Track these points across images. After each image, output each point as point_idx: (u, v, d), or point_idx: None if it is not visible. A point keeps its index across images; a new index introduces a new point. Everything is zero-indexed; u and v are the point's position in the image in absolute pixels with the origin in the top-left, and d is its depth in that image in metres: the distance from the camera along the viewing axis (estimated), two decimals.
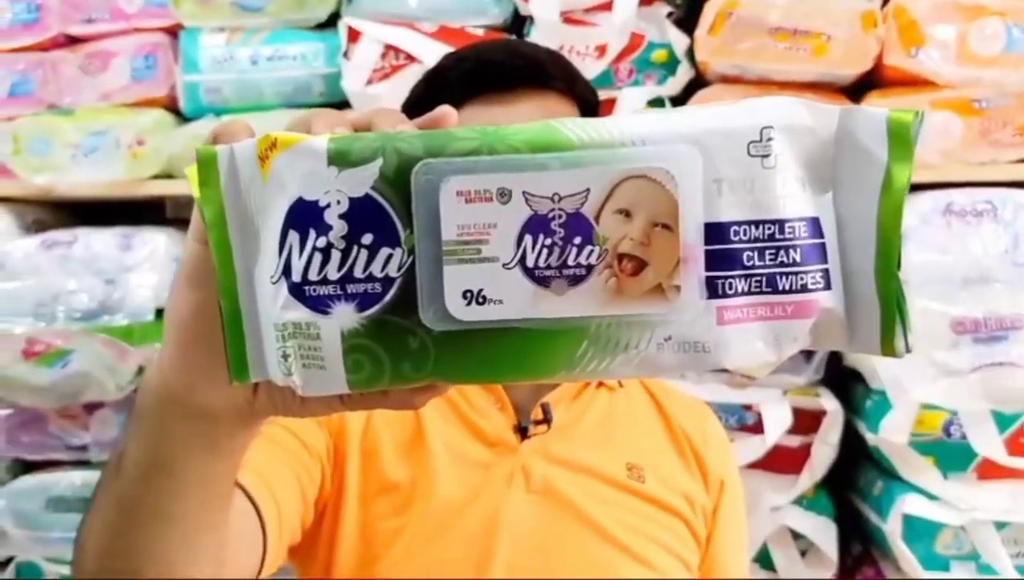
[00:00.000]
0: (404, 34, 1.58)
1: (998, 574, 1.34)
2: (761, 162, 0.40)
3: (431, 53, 1.56)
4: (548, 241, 0.40)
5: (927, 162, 1.43)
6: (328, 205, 0.40)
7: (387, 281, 0.40)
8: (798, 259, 0.40)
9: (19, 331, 1.54)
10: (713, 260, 0.40)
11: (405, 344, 0.41)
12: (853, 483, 1.57)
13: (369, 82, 1.58)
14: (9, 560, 1.63)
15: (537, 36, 1.57)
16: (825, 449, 1.44)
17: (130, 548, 0.57)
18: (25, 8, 1.71)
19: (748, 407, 1.44)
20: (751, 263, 0.40)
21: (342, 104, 1.62)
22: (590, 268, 0.40)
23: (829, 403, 1.45)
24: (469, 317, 0.40)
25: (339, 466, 0.89)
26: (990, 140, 1.48)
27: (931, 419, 1.37)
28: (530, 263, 0.40)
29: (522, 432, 0.90)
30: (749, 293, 0.40)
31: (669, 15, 1.60)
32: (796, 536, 1.45)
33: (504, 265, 0.40)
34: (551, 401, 0.91)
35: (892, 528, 1.37)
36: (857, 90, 1.53)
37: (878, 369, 1.39)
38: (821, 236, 0.41)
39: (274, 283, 0.42)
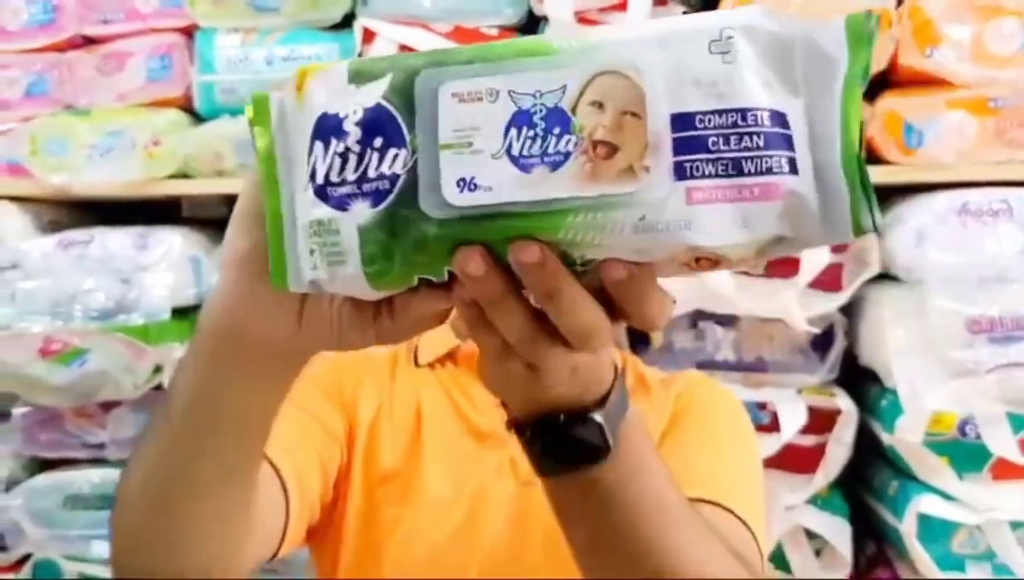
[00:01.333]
0: (419, 34, 1.59)
1: (1013, 574, 1.34)
2: (722, 58, 0.43)
3: None
4: (531, 133, 0.44)
5: (942, 162, 1.43)
6: (346, 115, 0.46)
7: (394, 178, 0.45)
8: (761, 144, 0.43)
9: (36, 330, 1.54)
10: (680, 146, 0.43)
11: (410, 233, 0.45)
12: (867, 482, 1.56)
13: None
14: (27, 558, 1.64)
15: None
16: (840, 449, 1.45)
17: (167, 482, 0.61)
18: (41, 9, 1.71)
19: (763, 406, 1.44)
20: (716, 148, 0.43)
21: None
22: (568, 154, 0.44)
23: (844, 402, 1.45)
24: (463, 202, 0.45)
25: (350, 450, 0.92)
26: (1006, 139, 1.48)
27: (946, 419, 1.37)
28: (515, 152, 0.44)
29: (517, 427, 0.90)
30: (716, 176, 0.43)
31: (684, 14, 1.59)
32: (810, 535, 1.46)
33: (492, 155, 0.44)
34: None
35: (907, 528, 1.37)
36: (871, 89, 1.52)
37: (893, 368, 1.39)
38: (787, 128, 0.44)
39: (304, 190, 0.48)
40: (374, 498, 0.90)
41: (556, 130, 0.44)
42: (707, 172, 0.43)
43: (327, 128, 0.47)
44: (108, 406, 1.62)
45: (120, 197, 1.67)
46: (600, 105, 0.43)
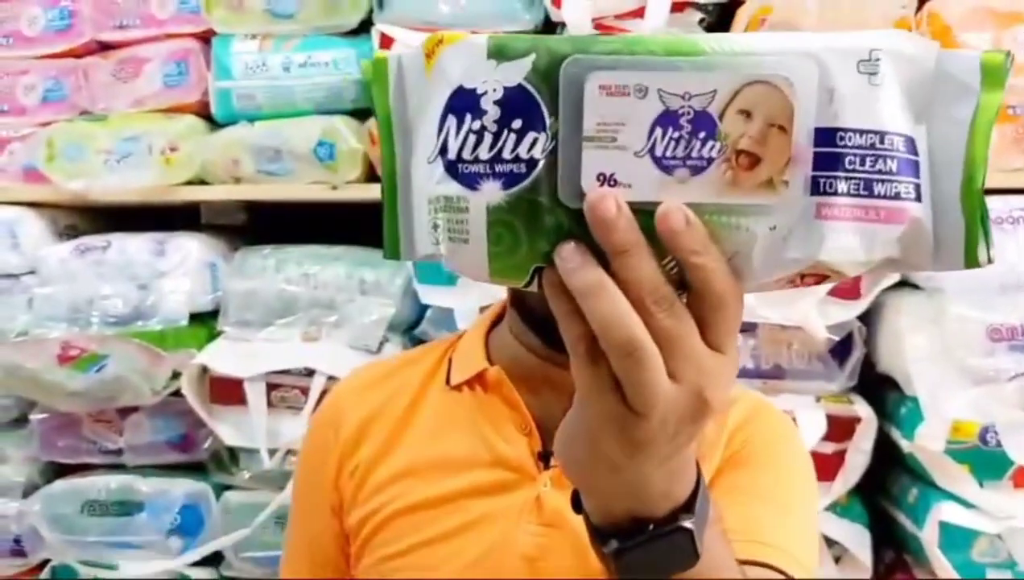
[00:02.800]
0: None
1: None
2: (868, 79, 0.43)
3: None
4: (676, 134, 0.44)
5: None
6: (485, 92, 0.45)
7: (531, 162, 0.45)
8: (894, 169, 0.43)
9: (54, 336, 1.55)
10: (819, 161, 0.43)
11: (542, 220, 0.45)
12: (886, 489, 1.56)
13: None
14: (45, 563, 1.65)
15: None
16: (859, 456, 1.44)
17: None
18: (58, 14, 1.72)
19: None
20: (852, 167, 0.43)
21: (373, 111, 1.62)
22: (711, 160, 0.44)
23: (863, 410, 1.45)
24: None
25: (359, 495, 0.90)
26: None
27: (967, 427, 1.36)
28: (658, 153, 0.44)
29: (544, 460, 0.85)
30: (848, 194, 0.43)
31: (700, 21, 1.59)
32: (830, 543, 1.45)
33: (635, 153, 0.44)
34: None
35: (928, 536, 1.37)
36: None
37: (913, 376, 1.39)
38: (916, 154, 0.44)
39: (430, 163, 0.47)
40: (394, 529, 0.87)
41: (701, 135, 0.43)
42: (840, 190, 0.44)
43: (463, 103, 0.46)
44: (125, 412, 1.62)
45: (137, 203, 1.67)
46: (748, 114, 0.43)
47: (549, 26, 1.63)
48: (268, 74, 1.64)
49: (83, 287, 1.60)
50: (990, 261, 0.44)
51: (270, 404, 1.55)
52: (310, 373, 1.53)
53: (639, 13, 1.57)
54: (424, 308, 1.59)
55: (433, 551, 0.85)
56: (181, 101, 1.69)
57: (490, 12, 1.61)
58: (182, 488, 1.61)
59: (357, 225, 1.61)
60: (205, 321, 1.63)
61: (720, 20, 1.60)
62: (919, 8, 1.52)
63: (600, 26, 1.57)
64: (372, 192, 1.62)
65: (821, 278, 0.46)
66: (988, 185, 1.29)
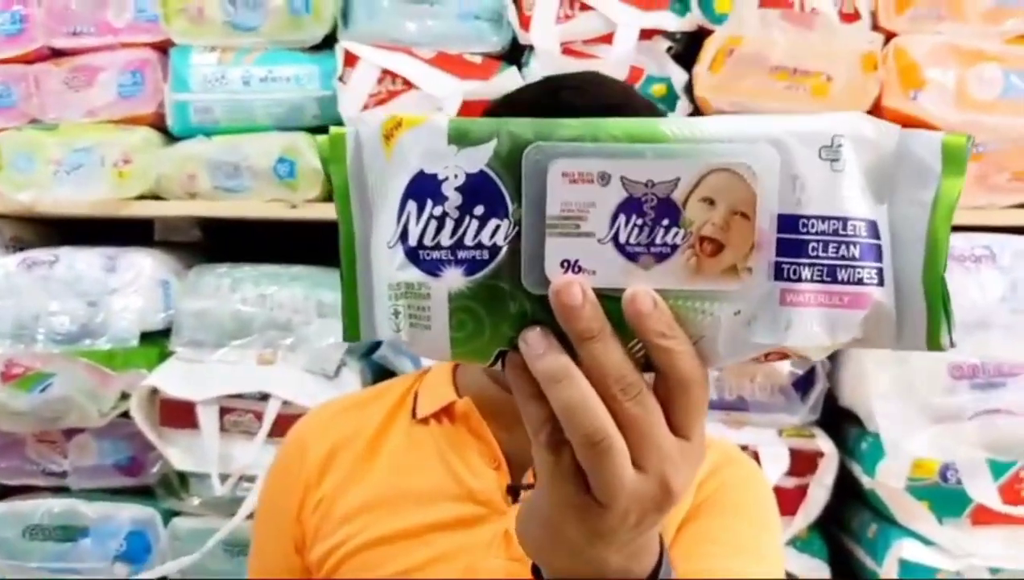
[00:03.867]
0: (402, 59, 1.56)
1: None
2: (831, 165, 0.44)
3: (429, 80, 1.55)
4: (639, 221, 0.44)
5: None
6: (446, 178, 0.45)
7: (494, 249, 0.45)
8: (857, 255, 0.44)
9: None
10: (783, 247, 0.44)
11: (505, 306, 0.45)
12: (845, 524, 1.57)
13: (365, 107, 1.56)
14: None
15: (537, 66, 1.56)
16: (820, 491, 1.44)
17: None
18: (9, 19, 1.66)
19: (744, 448, 1.43)
20: (815, 253, 0.44)
21: (336, 127, 1.59)
22: (675, 247, 0.44)
23: (825, 444, 1.45)
24: None
25: (323, 528, 0.88)
26: (987, 185, 1.50)
27: (928, 464, 1.37)
28: (622, 239, 0.44)
29: (514, 494, 0.84)
30: (812, 280, 0.44)
31: (668, 49, 1.59)
32: (789, 577, 1.45)
33: (599, 240, 0.44)
34: None
35: (888, 572, 1.37)
36: None
37: (875, 412, 1.39)
38: (878, 238, 0.44)
39: (391, 247, 0.47)
40: (358, 563, 0.85)
41: (665, 221, 0.44)
42: (804, 276, 0.44)
43: (423, 188, 0.46)
44: (71, 433, 1.56)
45: (88, 216, 1.62)
46: (711, 202, 0.44)
47: (517, 48, 1.61)
48: (227, 88, 1.60)
49: (29, 302, 1.54)
50: (952, 345, 0.44)
51: (222, 428, 1.50)
52: (264, 397, 1.49)
53: (607, 39, 1.57)
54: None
55: None
56: (136, 112, 1.63)
57: (457, 33, 1.59)
58: (129, 513, 1.55)
59: (316, 245, 1.57)
60: (156, 341, 1.58)
61: (688, 49, 1.59)
62: (885, 43, 1.53)
63: (568, 50, 1.56)
64: (332, 212, 1.57)
65: (783, 357, 0.46)
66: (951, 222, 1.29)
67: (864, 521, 1.50)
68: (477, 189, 0.45)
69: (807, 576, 1.43)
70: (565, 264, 0.44)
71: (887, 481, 1.38)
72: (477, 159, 0.45)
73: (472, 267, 0.45)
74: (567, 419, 0.44)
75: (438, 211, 0.45)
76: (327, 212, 1.58)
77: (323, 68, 1.60)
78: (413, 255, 0.46)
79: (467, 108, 1.53)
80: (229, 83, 1.60)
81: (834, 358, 1.52)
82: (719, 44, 1.51)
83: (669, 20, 1.57)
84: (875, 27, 1.55)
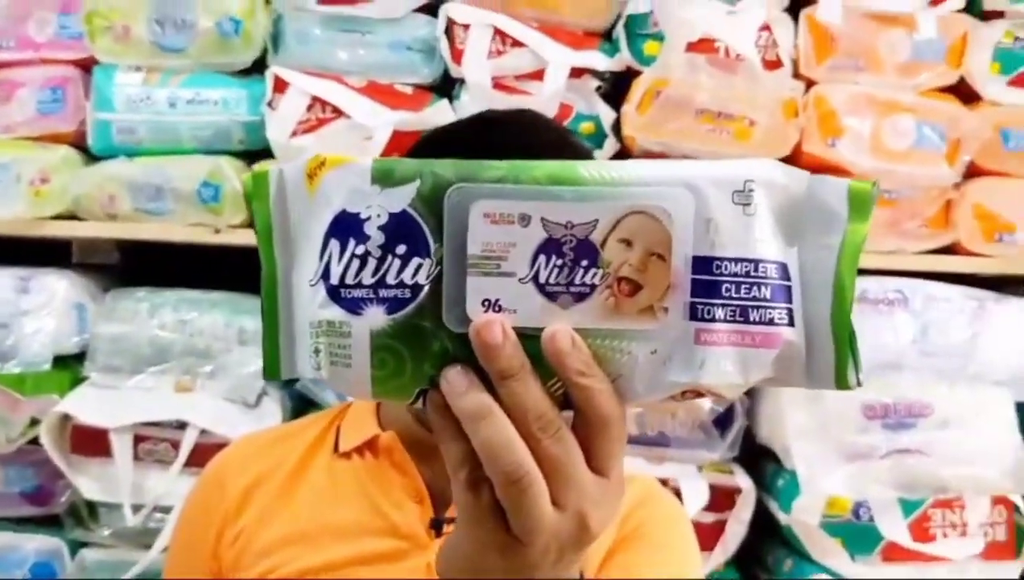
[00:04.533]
0: (333, 88, 1.56)
1: None
2: (743, 209, 0.45)
3: (359, 108, 1.55)
4: (559, 262, 0.45)
5: None
6: (368, 217, 0.46)
7: (416, 288, 0.45)
8: (768, 296, 0.45)
9: None
10: (697, 288, 0.45)
11: (427, 345, 0.46)
12: (761, 560, 1.59)
13: (294, 134, 1.54)
14: None
15: (468, 100, 1.57)
16: (738, 526, 1.47)
17: None
18: None
19: (664, 483, 1.44)
20: (729, 294, 0.45)
21: (263, 153, 1.58)
22: (593, 287, 0.45)
23: (743, 481, 1.48)
24: None
25: (241, 562, 0.86)
26: (900, 231, 1.55)
27: (841, 502, 1.41)
28: (542, 279, 0.45)
29: (437, 528, 0.83)
30: (725, 320, 0.45)
31: (597, 88, 1.61)
32: None
33: (520, 279, 0.45)
34: None
35: None
36: None
37: (792, 450, 1.42)
38: (788, 280, 0.46)
39: (312, 285, 0.47)
40: None
41: (584, 262, 0.45)
42: (718, 316, 0.45)
43: (346, 227, 0.46)
44: None
45: (1, 235, 1.56)
46: (628, 243, 0.45)
47: (448, 81, 1.62)
48: (152, 108, 1.57)
49: None
50: (859, 384, 0.46)
51: (137, 457, 1.46)
52: (182, 426, 1.46)
53: (538, 76, 1.59)
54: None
55: None
56: (55, 130, 1.59)
57: (388, 63, 1.60)
58: (34, 544, 1.50)
59: (239, 271, 1.55)
60: (70, 365, 1.53)
61: (616, 89, 1.62)
62: (806, 91, 1.58)
63: (499, 85, 1.58)
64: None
65: (699, 395, 0.47)
66: (865, 266, 1.35)
67: (780, 557, 1.53)
68: (399, 228, 0.45)
69: None
70: (486, 303, 0.45)
71: (802, 518, 1.41)
72: (400, 199, 0.45)
73: (394, 306, 0.45)
74: (487, 457, 0.45)
75: (360, 250, 0.45)
76: (251, 238, 1.54)
77: (251, 93, 1.58)
78: (335, 293, 0.46)
79: (397, 138, 1.53)
80: (154, 104, 1.57)
81: (752, 396, 1.55)
82: (647, 85, 1.54)
83: (599, 60, 1.60)
84: (796, 75, 1.61)
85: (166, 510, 1.45)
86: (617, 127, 1.60)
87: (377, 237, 0.45)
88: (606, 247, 0.45)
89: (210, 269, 1.61)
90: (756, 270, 0.45)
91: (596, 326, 0.45)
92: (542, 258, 0.45)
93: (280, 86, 1.55)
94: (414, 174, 0.45)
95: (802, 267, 0.46)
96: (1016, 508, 1.43)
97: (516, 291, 0.45)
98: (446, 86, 1.63)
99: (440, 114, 1.55)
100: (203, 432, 1.44)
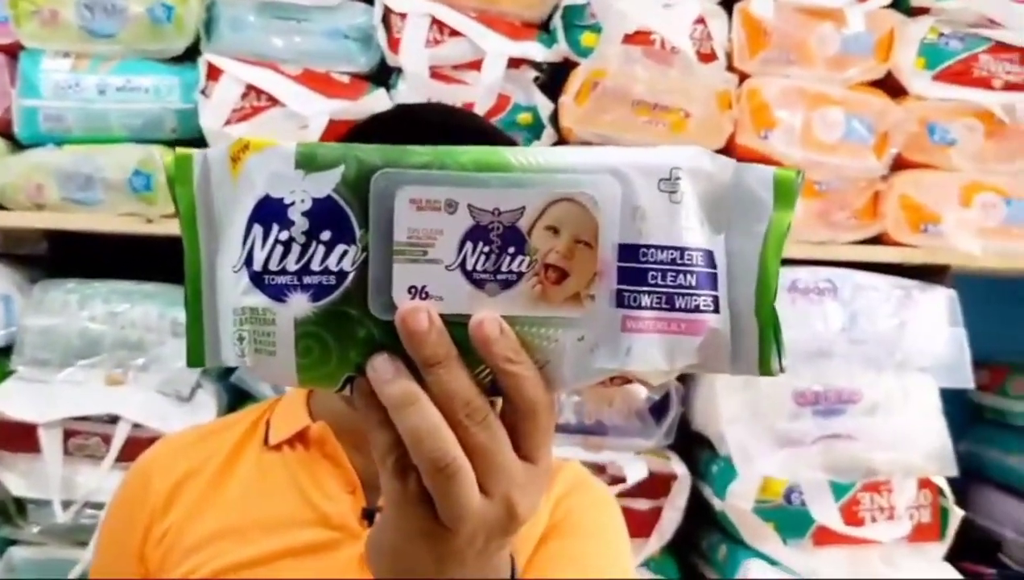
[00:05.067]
0: (267, 75, 1.54)
1: None
2: (669, 197, 0.45)
3: (295, 97, 1.53)
4: (486, 249, 0.45)
5: None
6: (292, 203, 0.45)
7: (341, 275, 0.45)
8: (693, 283, 0.45)
9: None
10: (624, 276, 0.45)
11: (353, 332, 0.45)
12: (695, 545, 1.62)
13: (228, 122, 1.52)
14: None
15: (405, 89, 1.56)
16: (673, 513, 1.49)
17: None
18: None
19: (602, 468, 1.46)
20: (655, 282, 0.45)
21: (196, 141, 1.55)
22: (520, 275, 0.45)
23: (679, 467, 1.50)
24: None
25: (168, 561, 0.84)
26: (829, 221, 1.59)
27: (774, 486, 1.44)
28: (469, 266, 0.45)
29: (369, 517, 0.83)
30: (651, 307, 0.45)
31: (535, 79, 1.62)
32: None
33: (447, 267, 0.45)
34: None
35: None
36: None
37: (726, 437, 1.45)
38: (714, 267, 0.46)
39: (235, 272, 0.46)
40: None
41: (511, 249, 0.45)
42: (644, 303, 0.45)
43: (269, 213, 0.45)
44: None
45: None
46: (555, 230, 0.45)
47: (385, 71, 1.61)
48: (81, 96, 1.53)
49: None
50: (782, 370, 0.46)
51: (66, 452, 1.43)
52: (113, 420, 1.43)
53: (476, 65, 1.58)
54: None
55: None
56: None
57: (324, 51, 1.58)
58: None
59: (172, 262, 1.52)
60: None
61: (554, 80, 1.63)
62: (740, 84, 1.60)
63: (437, 74, 1.57)
64: None
65: (626, 381, 0.48)
66: (796, 256, 1.37)
67: (714, 543, 1.56)
68: (324, 214, 0.45)
69: None
70: (412, 290, 0.44)
71: (736, 503, 1.44)
72: (324, 184, 0.45)
73: (318, 293, 0.45)
74: (414, 444, 0.45)
75: (284, 236, 0.45)
76: None
77: (184, 80, 1.55)
78: (258, 280, 0.45)
79: (333, 127, 1.52)
80: (83, 91, 1.53)
81: (687, 384, 1.57)
82: (584, 77, 1.55)
83: (536, 50, 1.60)
84: (730, 68, 1.63)
85: (98, 506, 1.42)
86: (555, 118, 1.60)
87: (301, 223, 0.45)
88: (533, 234, 0.45)
89: (143, 260, 1.58)
90: (682, 258, 0.45)
91: (523, 314, 0.45)
92: (469, 245, 0.44)
93: (214, 73, 1.52)
94: (338, 159, 0.45)
95: (728, 254, 0.46)
96: (940, 491, 1.48)
97: (443, 278, 0.45)
98: (383, 75, 1.62)
99: (377, 103, 1.54)
100: (136, 426, 1.42)
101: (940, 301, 1.54)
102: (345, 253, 0.44)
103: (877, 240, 1.63)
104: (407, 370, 0.45)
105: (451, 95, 1.57)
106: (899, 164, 1.64)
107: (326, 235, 0.44)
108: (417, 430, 0.44)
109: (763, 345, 0.46)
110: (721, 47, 1.62)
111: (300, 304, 0.45)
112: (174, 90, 1.55)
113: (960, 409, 1.51)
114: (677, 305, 0.45)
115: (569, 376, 0.46)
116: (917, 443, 1.47)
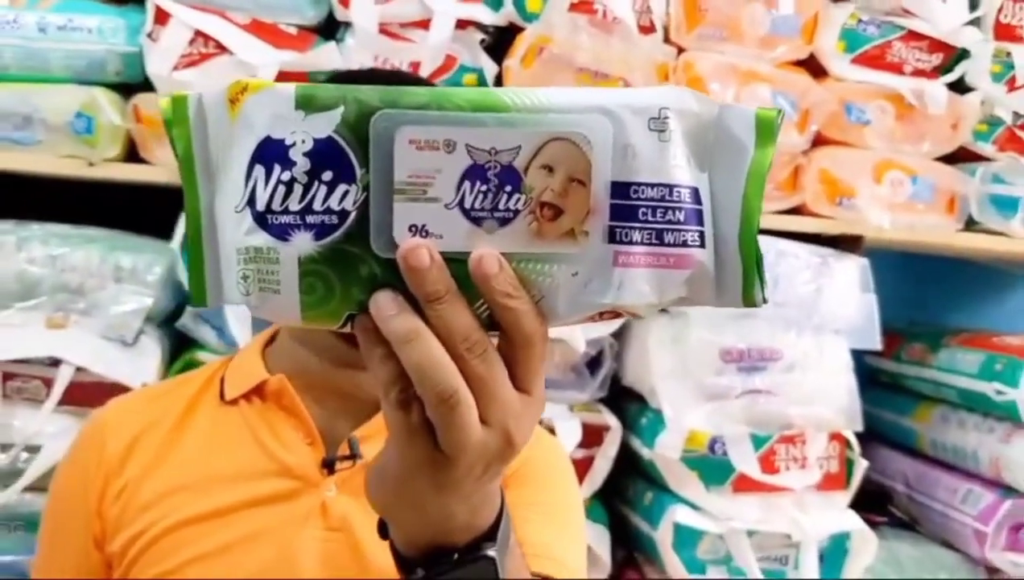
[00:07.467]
0: (215, 22, 1.53)
1: (746, 574, 1.52)
2: (659, 136, 0.47)
3: (244, 45, 1.53)
4: (483, 187, 0.46)
5: None
6: (294, 144, 0.46)
7: (343, 214, 0.46)
8: (681, 219, 0.47)
9: None
10: (615, 212, 0.47)
11: (356, 270, 0.47)
12: (621, 493, 1.71)
13: (176, 68, 1.51)
14: None
15: (353, 44, 1.57)
16: (604, 462, 1.57)
17: None
18: None
19: (540, 422, 1.52)
20: (645, 218, 0.47)
21: (140, 86, 1.53)
22: (516, 212, 0.47)
23: (611, 419, 1.58)
24: None
25: (124, 516, 0.85)
26: None
27: (699, 437, 1.53)
28: (467, 205, 0.46)
29: (329, 467, 0.84)
30: (642, 243, 0.47)
31: (481, 42, 1.65)
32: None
33: (446, 205, 0.46)
34: (360, 436, 0.85)
35: (663, 536, 1.52)
36: None
37: (657, 390, 1.53)
38: (700, 203, 0.48)
39: (238, 212, 0.47)
40: (167, 545, 0.83)
41: (508, 188, 0.46)
42: (635, 239, 0.47)
43: (271, 153, 0.46)
44: None
45: None
46: (550, 169, 0.46)
47: (333, 24, 1.62)
48: (19, 33, 1.48)
49: None
50: (765, 301, 0.49)
51: (5, 395, 1.41)
52: (55, 363, 1.42)
53: (424, 24, 1.61)
54: (186, 299, 1.52)
55: (211, 565, 0.81)
56: None
57: (273, 3, 1.57)
58: None
59: (115, 206, 1.51)
60: None
61: (500, 42, 1.67)
62: (678, 56, 1.68)
63: (385, 32, 1.59)
64: (133, 172, 1.52)
65: (617, 315, 0.50)
66: None
67: (640, 490, 1.65)
68: (325, 154, 0.46)
69: (591, 541, 1.55)
70: (413, 228, 0.46)
71: (665, 452, 1.52)
72: (324, 125, 0.46)
73: (321, 232, 0.46)
74: (418, 377, 0.46)
75: (286, 176, 0.46)
76: (127, 173, 1.52)
77: (130, 22, 1.52)
78: (261, 220, 0.46)
79: (283, 78, 1.52)
80: (21, 28, 1.49)
81: (620, 340, 1.65)
82: (531, 41, 1.59)
83: (484, 13, 1.63)
84: (667, 41, 1.70)
85: (35, 449, 1.41)
86: (499, 81, 1.64)
87: (303, 163, 0.46)
88: (529, 173, 0.46)
89: (82, 205, 1.56)
90: (671, 195, 0.47)
91: (520, 250, 0.47)
92: (467, 184, 0.46)
93: (161, 17, 1.50)
94: (338, 100, 0.46)
95: (713, 191, 0.48)
96: (848, 444, 1.60)
97: (442, 216, 0.46)
98: (330, 29, 1.63)
99: (327, 56, 1.55)
100: (79, 370, 1.41)
101: (854, 269, 1.65)
102: (347, 193, 0.46)
103: (797, 210, 1.73)
104: (409, 306, 0.46)
105: (398, 52, 1.59)
106: (818, 140, 1.75)
107: (327, 175, 0.46)
108: (421, 363, 0.46)
109: (746, 278, 0.48)
110: (660, 20, 1.68)
111: (304, 243, 0.46)
112: (119, 32, 1.52)
113: (858, 372, 1.63)
114: (666, 240, 0.47)
115: (563, 310, 0.48)
116: (829, 399, 1.58)
